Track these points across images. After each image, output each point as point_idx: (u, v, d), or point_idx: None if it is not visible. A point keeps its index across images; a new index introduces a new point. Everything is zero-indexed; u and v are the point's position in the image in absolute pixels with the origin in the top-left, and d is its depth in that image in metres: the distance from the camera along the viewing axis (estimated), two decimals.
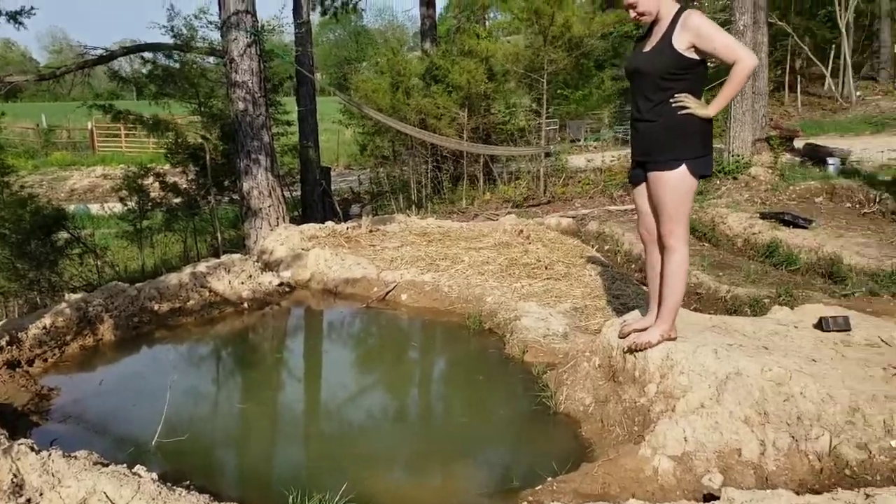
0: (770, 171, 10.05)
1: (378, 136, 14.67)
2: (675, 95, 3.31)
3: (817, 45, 28.14)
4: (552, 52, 12.17)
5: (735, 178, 9.97)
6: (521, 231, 8.33)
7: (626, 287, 6.16)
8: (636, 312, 4.26)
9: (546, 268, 6.79)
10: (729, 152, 10.63)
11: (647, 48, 3.43)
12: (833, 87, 26.47)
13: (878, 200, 8.18)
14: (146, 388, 4.65)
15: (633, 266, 7.33)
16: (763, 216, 7.78)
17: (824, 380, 3.39)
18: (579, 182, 11.81)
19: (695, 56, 3.29)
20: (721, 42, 3.23)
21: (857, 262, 6.01)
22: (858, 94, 25.35)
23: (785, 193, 9.11)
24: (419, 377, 5.23)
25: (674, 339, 3.73)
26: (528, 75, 12.96)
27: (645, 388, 3.68)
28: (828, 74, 27.12)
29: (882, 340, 4.02)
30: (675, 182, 3.39)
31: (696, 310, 5.83)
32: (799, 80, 27.08)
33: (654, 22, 3.43)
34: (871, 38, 28.90)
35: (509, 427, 4.13)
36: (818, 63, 27.29)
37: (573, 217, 9.52)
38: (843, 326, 4.14)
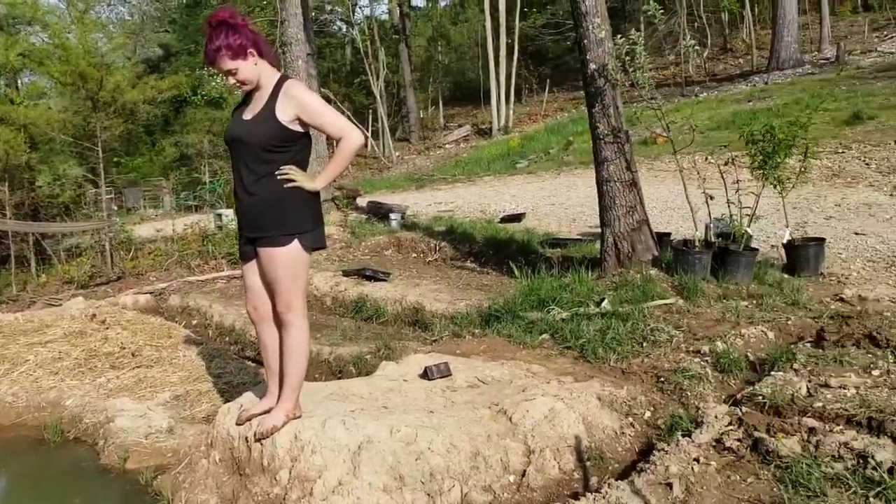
0: (342, 229, 10.62)
1: None
2: (281, 167, 3.20)
3: (357, 110, 31.12)
4: (105, 118, 11.23)
5: None
6: (95, 315, 7.40)
7: (227, 364, 5.84)
8: (250, 395, 4.00)
9: (133, 355, 6.10)
10: None
11: (248, 116, 3.26)
12: (376, 148, 29.41)
13: (437, 249, 9.17)
14: None
15: (227, 339, 7.01)
16: (346, 273, 8.11)
17: (445, 430, 3.54)
18: (150, 254, 11.03)
19: (299, 128, 3.22)
20: (328, 117, 3.22)
21: (437, 308, 6.58)
22: (397, 153, 28.56)
23: (359, 249, 9.67)
24: None
25: (299, 416, 3.57)
26: (79, 143, 11.77)
27: (276, 476, 3.43)
28: (369, 136, 30.06)
29: (479, 380, 4.40)
30: (289, 258, 3.26)
31: None
32: None
33: (255, 88, 3.28)
34: (401, 104, 32.94)
35: None
36: (360, 126, 30.07)
37: (151, 293, 8.82)
38: (445, 372, 4.44)
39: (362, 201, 13.20)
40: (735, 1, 24.84)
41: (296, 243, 3.26)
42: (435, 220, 11.20)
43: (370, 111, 30.66)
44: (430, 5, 41.68)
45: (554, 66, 32.78)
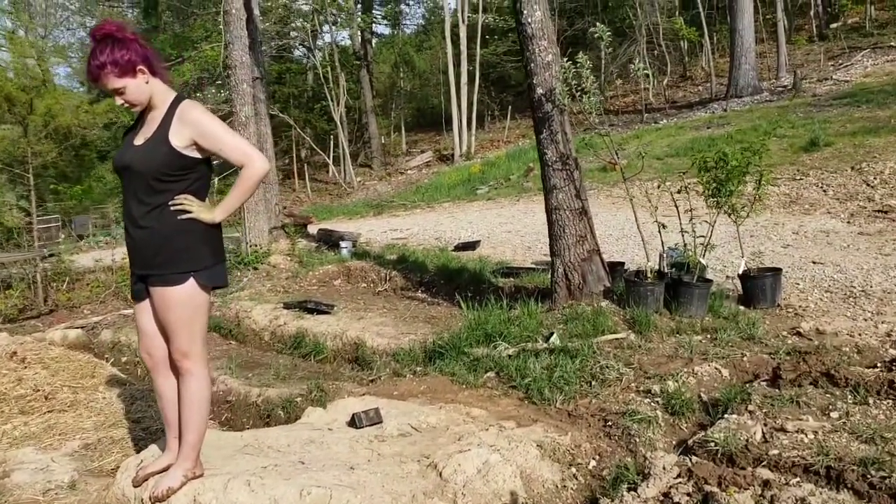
0: (289, 258, 10.21)
1: None
2: (175, 198, 2.84)
3: (318, 136, 30.77)
4: (36, 143, 10.71)
5: (256, 269, 9.89)
6: (16, 353, 6.90)
7: (149, 407, 5.38)
8: (154, 448, 3.60)
9: (46, 398, 5.61)
10: (247, 243, 10.56)
11: (140, 141, 2.90)
12: (336, 174, 29.06)
13: (388, 279, 8.82)
14: None
15: None
16: (287, 306, 7.71)
17: (365, 489, 3.18)
18: (88, 285, 10.49)
19: (197, 154, 2.87)
20: (229, 143, 2.86)
21: (379, 344, 6.22)
22: (358, 179, 28.24)
23: (306, 279, 9.28)
24: None
25: (200, 475, 3.18)
26: (9, 169, 11.21)
27: None
28: (330, 162, 29.75)
29: (412, 427, 4.04)
30: (183, 298, 2.89)
31: (227, 420, 5.37)
32: (306, 167, 29.17)
33: (147, 110, 2.93)
34: (363, 130, 32.68)
35: None
36: (321, 152, 29.78)
37: (83, 327, 8.31)
38: (375, 419, 4.08)
39: (314, 229, 12.80)
40: (693, 30, 25.06)
41: (191, 282, 2.89)
42: (387, 248, 10.86)
43: (331, 137, 30.33)
44: (394, 32, 41.65)
45: (516, 93, 32.78)
